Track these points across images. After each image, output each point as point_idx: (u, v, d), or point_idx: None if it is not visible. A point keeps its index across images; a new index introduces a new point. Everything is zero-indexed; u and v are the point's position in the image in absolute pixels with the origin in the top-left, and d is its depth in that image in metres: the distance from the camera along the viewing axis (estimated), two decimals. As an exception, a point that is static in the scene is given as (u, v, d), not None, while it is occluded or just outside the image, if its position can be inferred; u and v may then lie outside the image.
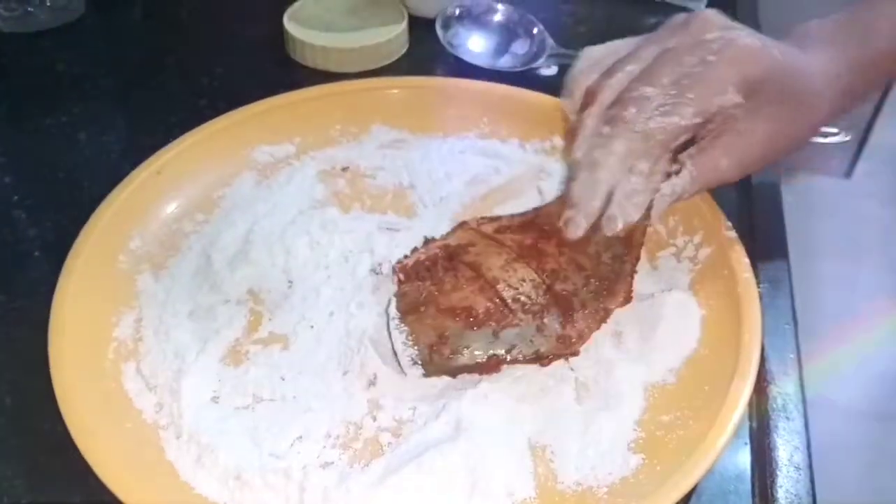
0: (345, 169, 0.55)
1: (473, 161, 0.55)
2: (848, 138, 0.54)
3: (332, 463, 0.39)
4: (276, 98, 0.56)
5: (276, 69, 0.65)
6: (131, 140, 0.59)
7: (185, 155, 0.52)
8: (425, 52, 0.66)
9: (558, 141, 0.56)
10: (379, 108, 0.57)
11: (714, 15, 0.43)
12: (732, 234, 0.46)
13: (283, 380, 0.42)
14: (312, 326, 0.45)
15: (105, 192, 0.49)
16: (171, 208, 0.51)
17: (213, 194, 0.52)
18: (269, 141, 0.55)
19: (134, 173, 0.50)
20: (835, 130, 0.54)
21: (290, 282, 0.47)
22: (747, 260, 0.45)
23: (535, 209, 0.48)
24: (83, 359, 0.41)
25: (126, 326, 0.44)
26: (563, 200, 0.47)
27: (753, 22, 0.65)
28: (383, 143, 0.56)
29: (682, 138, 0.41)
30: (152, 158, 0.51)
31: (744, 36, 0.41)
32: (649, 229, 0.50)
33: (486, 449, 0.38)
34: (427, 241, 0.47)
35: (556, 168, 0.54)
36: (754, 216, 0.52)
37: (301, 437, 0.40)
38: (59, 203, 0.54)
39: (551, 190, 0.53)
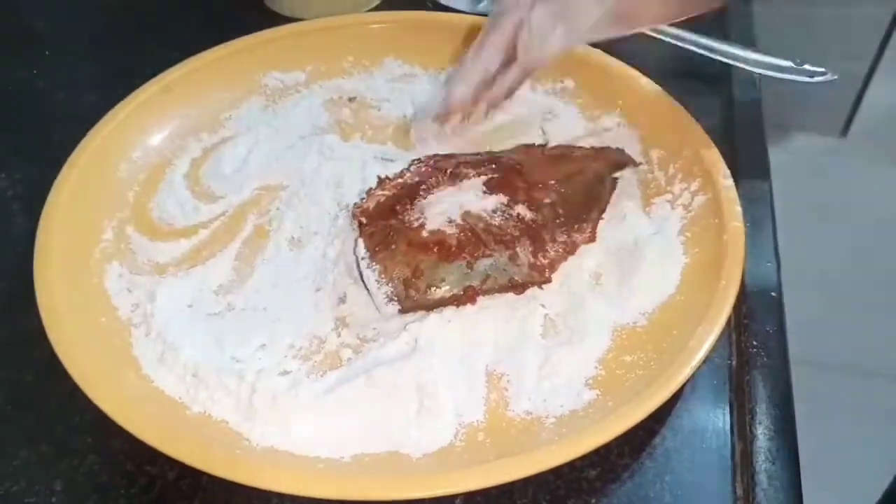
0: (351, 99, 0.55)
1: (480, 99, 0.54)
2: (835, 77, 0.51)
3: (290, 372, 0.39)
4: (292, 26, 0.57)
5: (250, 18, 0.61)
6: (104, 92, 0.55)
7: (195, 74, 0.53)
8: (405, -2, 0.64)
9: (570, 83, 0.55)
10: (392, 41, 0.57)
11: None
12: (729, 181, 0.45)
13: (258, 292, 0.43)
14: (295, 245, 0.46)
15: (78, 144, 0.48)
16: (175, 125, 0.52)
17: (220, 115, 0.53)
18: (280, 68, 0.56)
19: (143, 87, 0.51)
20: (822, 70, 0.51)
21: (279, 201, 0.48)
22: (739, 209, 0.43)
23: (490, 152, 0.48)
24: (67, 255, 0.42)
25: (115, 230, 0.46)
26: (526, 147, 0.49)
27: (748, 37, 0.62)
28: (394, 77, 0.56)
29: None
30: (163, 75, 0.52)
31: None
32: (648, 176, 0.49)
33: (439, 369, 0.39)
34: (381, 181, 0.46)
35: (564, 109, 0.53)
36: (737, 154, 0.50)
37: (264, 346, 0.40)
38: (30, 156, 0.53)
39: (555, 131, 0.52)
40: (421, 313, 0.41)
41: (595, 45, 0.53)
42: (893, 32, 1.32)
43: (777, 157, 0.49)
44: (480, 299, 0.42)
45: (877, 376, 1.21)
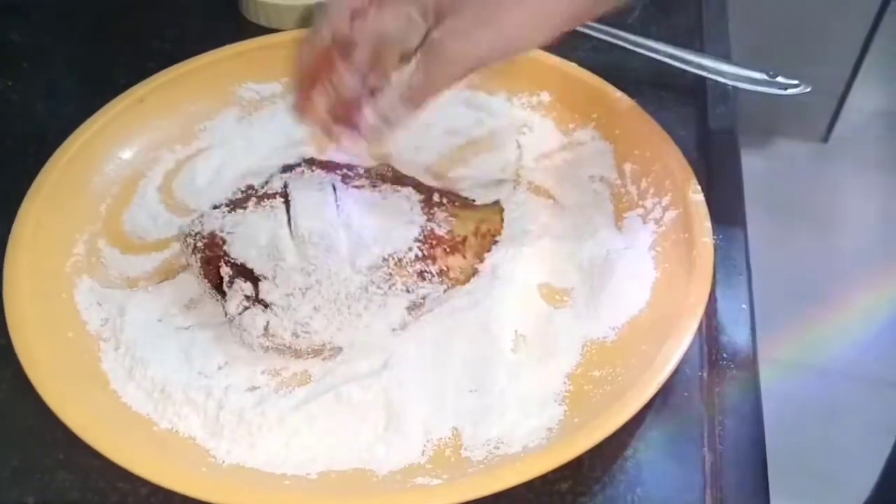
0: (327, 111, 0.55)
1: (456, 111, 0.54)
2: (808, 89, 0.51)
3: (259, 388, 0.39)
4: (267, 37, 0.57)
5: (228, 29, 0.61)
6: (81, 104, 0.54)
7: (169, 86, 0.53)
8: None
9: (545, 96, 0.55)
10: (369, 53, 0.57)
11: None
12: (699, 197, 0.45)
13: (228, 306, 0.43)
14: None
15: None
16: (149, 137, 0.51)
17: (195, 127, 0.53)
18: (256, 78, 0.55)
19: (117, 99, 0.51)
20: (795, 82, 0.52)
21: (253, 214, 0.48)
22: (709, 224, 0.44)
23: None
24: (38, 268, 0.42)
25: (87, 244, 0.46)
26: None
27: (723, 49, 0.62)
28: (370, 88, 0.56)
29: None
30: (137, 86, 0.52)
31: None
32: (621, 190, 0.49)
33: (408, 386, 0.39)
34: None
35: (539, 123, 0.53)
36: (711, 166, 0.50)
37: (231, 361, 0.40)
38: (6, 168, 0.52)
39: (530, 144, 0.52)
40: (396, 329, 0.41)
41: (571, 59, 0.53)
42: (874, 38, 1.34)
43: (759, 162, 0.50)
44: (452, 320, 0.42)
45: (853, 380, 1.22)
